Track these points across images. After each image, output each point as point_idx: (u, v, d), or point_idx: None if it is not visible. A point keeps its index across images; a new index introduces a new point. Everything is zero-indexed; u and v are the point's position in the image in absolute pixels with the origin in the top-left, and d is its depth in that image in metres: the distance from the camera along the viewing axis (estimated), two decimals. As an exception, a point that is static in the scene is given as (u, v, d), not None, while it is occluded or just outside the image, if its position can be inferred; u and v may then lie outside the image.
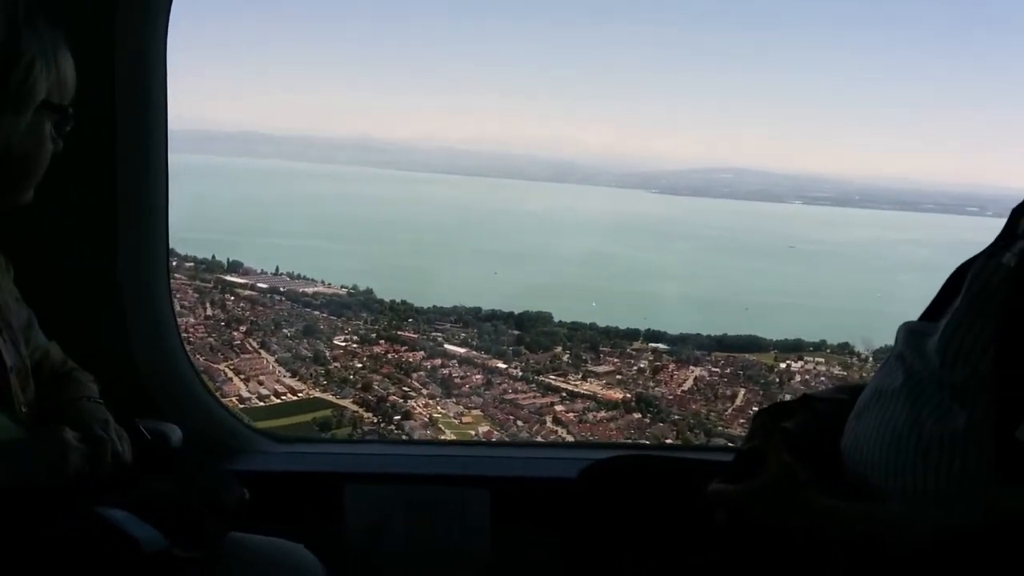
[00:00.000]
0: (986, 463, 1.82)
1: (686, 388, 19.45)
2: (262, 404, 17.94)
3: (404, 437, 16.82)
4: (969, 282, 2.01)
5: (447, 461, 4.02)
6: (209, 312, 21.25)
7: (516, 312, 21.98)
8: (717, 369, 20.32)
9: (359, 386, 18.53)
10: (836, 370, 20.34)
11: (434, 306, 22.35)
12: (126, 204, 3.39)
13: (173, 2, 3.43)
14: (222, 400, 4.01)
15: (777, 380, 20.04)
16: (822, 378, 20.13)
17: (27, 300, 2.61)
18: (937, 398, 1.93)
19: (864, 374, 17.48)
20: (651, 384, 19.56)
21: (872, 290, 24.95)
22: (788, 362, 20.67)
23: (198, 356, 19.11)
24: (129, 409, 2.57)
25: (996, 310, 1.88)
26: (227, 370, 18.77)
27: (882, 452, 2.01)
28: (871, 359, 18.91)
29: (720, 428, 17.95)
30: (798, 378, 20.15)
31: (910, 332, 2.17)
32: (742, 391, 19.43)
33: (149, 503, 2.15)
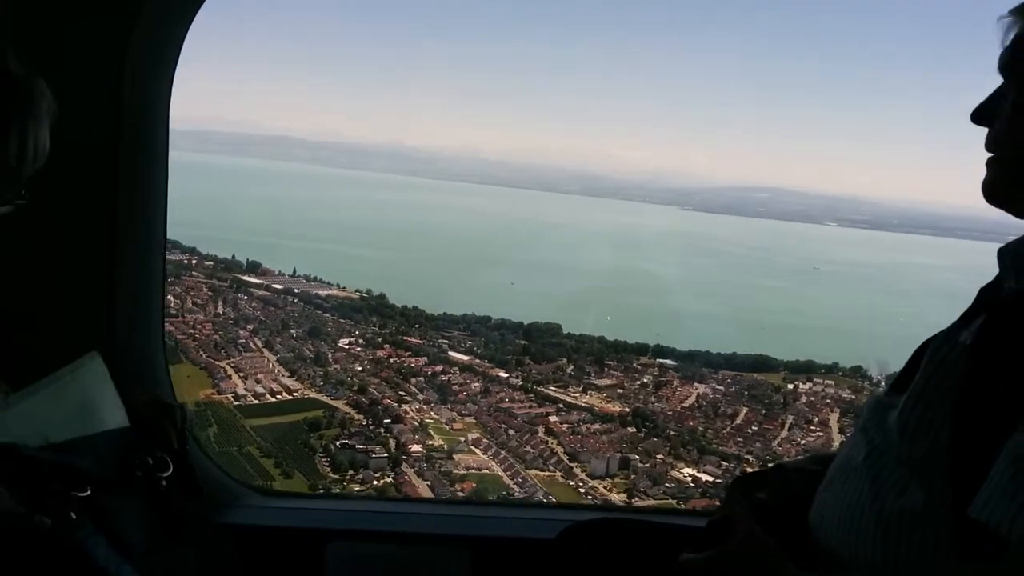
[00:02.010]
0: (944, 539, 1.83)
1: (687, 404, 19.21)
2: (257, 402, 18.04)
3: (392, 441, 16.85)
4: (927, 359, 1.99)
5: (430, 520, 4.00)
6: (220, 310, 21.49)
7: (526, 323, 21.95)
8: (722, 387, 20.07)
9: (355, 388, 18.57)
10: (845, 393, 20.01)
11: (444, 313, 22.39)
12: (123, 276, 3.40)
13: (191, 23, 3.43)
14: (209, 454, 4.03)
15: (782, 401, 19.73)
16: (828, 400, 19.82)
17: (22, 346, 2.62)
18: (897, 474, 1.95)
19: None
20: (652, 399, 19.34)
21: (895, 314, 24.46)
22: (796, 383, 20.34)
23: (201, 352, 19.35)
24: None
25: (953, 386, 1.88)
26: (227, 367, 18.93)
27: (845, 526, 2.03)
28: (883, 383, 18.53)
29: (715, 446, 17.67)
30: (804, 399, 19.83)
31: (875, 404, 2.16)
32: (744, 410, 19.15)
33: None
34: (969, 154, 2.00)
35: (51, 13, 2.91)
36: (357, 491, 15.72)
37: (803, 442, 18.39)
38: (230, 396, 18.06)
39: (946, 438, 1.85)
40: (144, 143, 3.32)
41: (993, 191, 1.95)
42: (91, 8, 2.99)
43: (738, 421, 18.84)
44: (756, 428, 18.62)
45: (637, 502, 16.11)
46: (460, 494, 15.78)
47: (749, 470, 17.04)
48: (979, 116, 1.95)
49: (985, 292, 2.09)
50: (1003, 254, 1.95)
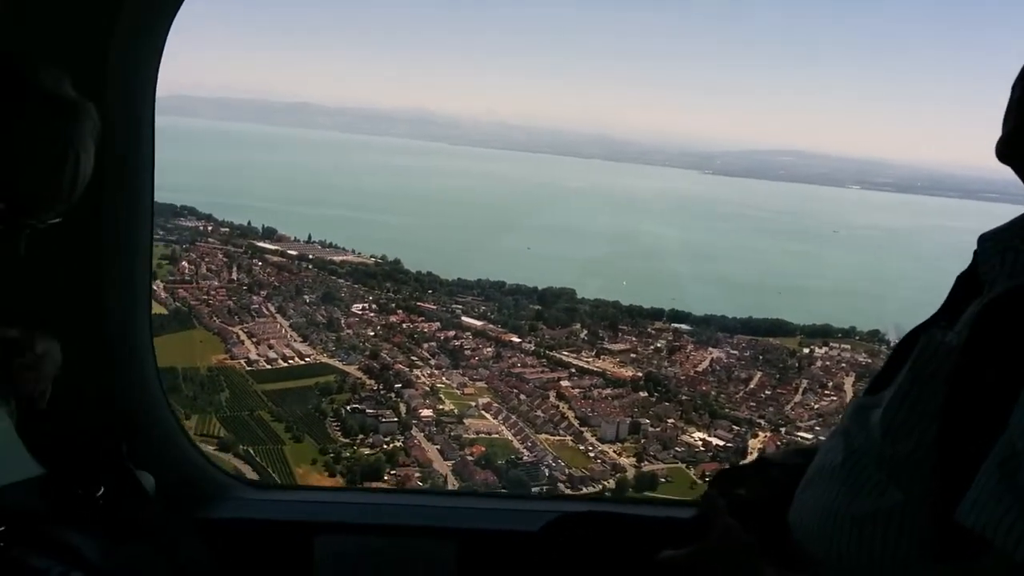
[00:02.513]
0: (922, 540, 1.83)
1: (700, 369, 19.14)
2: (269, 367, 18.15)
3: (402, 406, 16.92)
4: (915, 358, 1.96)
5: (416, 511, 4.03)
6: (234, 276, 21.58)
7: (540, 288, 21.91)
8: (736, 352, 19.98)
9: (367, 353, 18.62)
10: (862, 357, 19.89)
11: (458, 279, 22.39)
12: (110, 273, 3.39)
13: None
14: (199, 446, 4.05)
15: (797, 365, 19.63)
16: (843, 364, 19.70)
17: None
18: (876, 477, 1.94)
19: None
20: (665, 364, 19.28)
21: (914, 277, 24.17)
22: (812, 347, 20.23)
23: (214, 318, 19.47)
24: (108, 452, 2.59)
25: (940, 385, 1.85)
26: (240, 332, 19.06)
27: (821, 527, 2.04)
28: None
29: (727, 410, 17.61)
30: (819, 364, 19.73)
31: (857, 408, 2.15)
32: (758, 374, 19.07)
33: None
34: (997, 113, 1.94)
35: (31, 7, 2.87)
36: (366, 454, 15.85)
37: (816, 406, 18.33)
38: (243, 361, 18.18)
39: (932, 436, 1.84)
40: (130, 141, 3.29)
41: (1007, 150, 1.91)
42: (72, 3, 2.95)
43: (752, 385, 18.77)
44: (769, 392, 18.56)
45: (646, 466, 16.15)
46: (470, 458, 15.85)
47: (760, 450, 17.06)
48: None
49: (963, 282, 2.06)
50: (984, 240, 1.92)
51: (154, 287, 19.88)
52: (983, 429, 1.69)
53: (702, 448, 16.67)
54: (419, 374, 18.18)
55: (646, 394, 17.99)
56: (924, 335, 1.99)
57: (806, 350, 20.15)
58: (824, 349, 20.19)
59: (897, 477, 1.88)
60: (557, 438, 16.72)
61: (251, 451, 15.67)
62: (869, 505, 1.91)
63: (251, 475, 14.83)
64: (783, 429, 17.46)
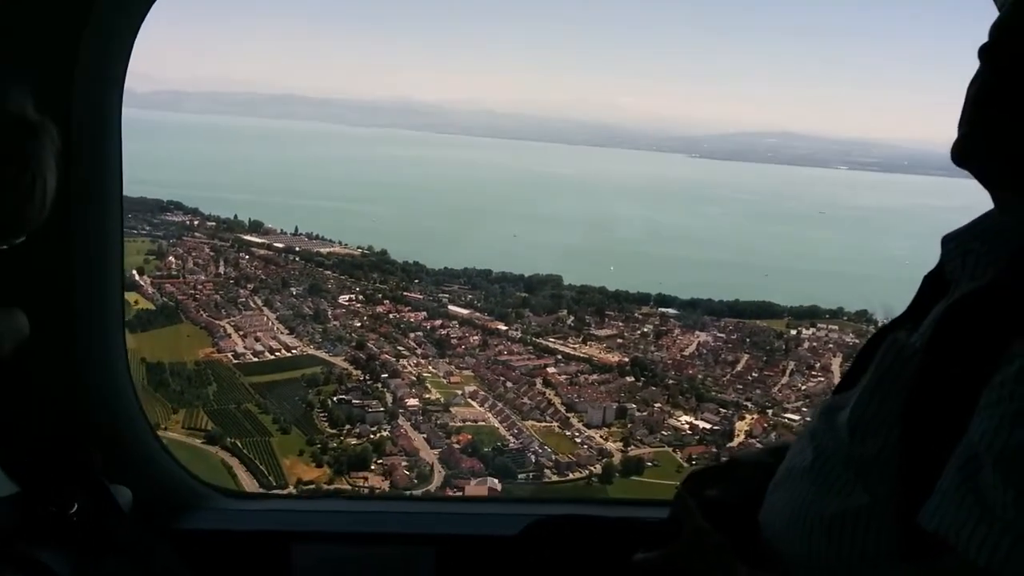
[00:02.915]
0: (888, 540, 1.81)
1: (687, 353, 19.16)
2: (256, 360, 18.14)
3: (388, 395, 16.94)
4: (879, 359, 1.95)
5: (394, 518, 4.02)
6: (221, 270, 21.55)
7: (527, 275, 21.91)
8: (723, 335, 20.01)
9: (353, 344, 18.62)
10: (849, 338, 19.91)
11: (445, 268, 22.37)
12: (81, 285, 3.36)
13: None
14: (175, 456, 4.05)
15: (783, 347, 19.67)
16: (831, 345, 19.73)
17: None
18: (844, 477, 1.93)
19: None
20: (652, 349, 19.31)
21: (902, 257, 24.20)
22: (800, 329, 20.27)
23: (201, 312, 19.44)
24: (85, 465, 2.58)
25: (904, 389, 1.84)
26: (227, 326, 19.02)
27: (791, 528, 2.02)
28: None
29: (713, 393, 17.64)
30: (806, 345, 19.76)
31: (825, 409, 2.14)
32: (745, 357, 19.09)
33: None
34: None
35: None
36: (353, 444, 15.86)
37: (804, 387, 18.36)
38: (229, 355, 18.17)
39: (897, 437, 1.83)
40: (96, 145, 3.26)
41: (962, 154, 1.86)
42: (40, 5, 2.93)
43: (738, 368, 18.79)
44: (756, 375, 18.59)
45: (633, 451, 16.18)
46: (456, 446, 15.85)
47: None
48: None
49: (929, 282, 2.05)
50: (947, 241, 1.90)
51: (141, 282, 20.04)
52: (945, 431, 1.69)
53: (689, 431, 16.70)
54: (405, 364, 18.17)
55: (633, 379, 18.00)
56: (889, 336, 1.99)
57: (793, 332, 20.20)
58: (811, 330, 20.22)
59: (864, 477, 1.88)
60: (544, 424, 16.74)
61: (238, 444, 15.67)
62: (837, 505, 1.91)
63: (238, 467, 14.88)
64: (770, 411, 17.51)
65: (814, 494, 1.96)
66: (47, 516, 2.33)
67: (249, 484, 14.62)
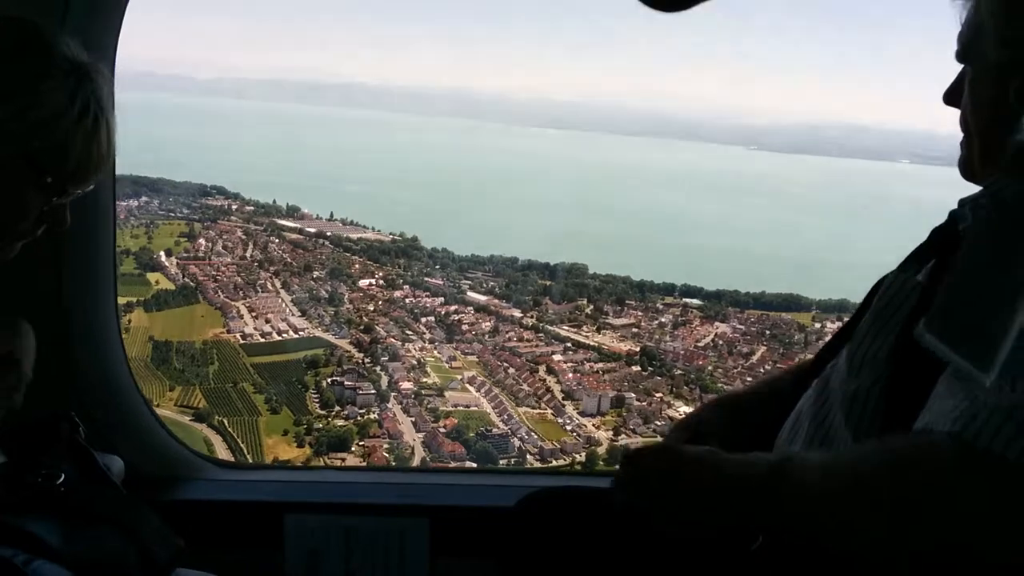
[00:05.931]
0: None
1: (702, 344, 18.79)
2: (262, 340, 18.36)
3: (384, 378, 16.97)
4: (878, 295, 2.06)
5: (387, 489, 4.11)
6: (247, 253, 21.87)
7: (552, 263, 21.74)
8: (743, 327, 19.57)
9: (361, 328, 18.71)
10: (875, 333, 19.33)
11: (472, 255, 22.34)
12: (72, 240, 3.43)
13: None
14: (167, 427, 4.18)
15: (804, 340, 19.16)
16: (853, 340, 19.17)
17: None
18: (839, 418, 2.01)
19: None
20: (667, 339, 18.98)
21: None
22: (825, 322, 19.72)
23: (219, 293, 19.77)
24: (71, 433, 2.67)
25: (899, 323, 1.92)
26: (241, 307, 19.31)
27: (784, 442, 2.16)
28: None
29: (719, 385, 17.27)
30: (828, 338, 19.22)
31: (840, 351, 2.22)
32: (761, 349, 18.65)
33: (87, 560, 2.25)
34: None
35: None
36: (339, 426, 15.95)
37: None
38: (237, 335, 18.46)
39: (887, 374, 1.88)
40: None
41: (968, 169, 2.01)
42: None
43: (752, 360, 18.37)
44: (769, 367, 18.14)
45: (623, 439, 15.94)
46: (442, 430, 15.82)
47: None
48: (949, 97, 2.04)
49: (938, 233, 2.11)
50: (962, 204, 1.95)
51: (166, 263, 20.45)
52: (934, 368, 1.69)
53: (685, 421, 16.39)
54: (410, 348, 18.23)
55: (638, 368, 17.74)
56: (891, 274, 2.08)
57: (817, 325, 19.66)
58: (837, 324, 19.63)
59: (855, 406, 1.92)
60: (537, 411, 16.62)
61: (224, 422, 15.89)
62: (830, 421, 1.97)
63: (220, 444, 15.09)
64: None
65: (811, 422, 2.06)
66: (34, 486, 2.34)
67: (225, 461, 14.84)
